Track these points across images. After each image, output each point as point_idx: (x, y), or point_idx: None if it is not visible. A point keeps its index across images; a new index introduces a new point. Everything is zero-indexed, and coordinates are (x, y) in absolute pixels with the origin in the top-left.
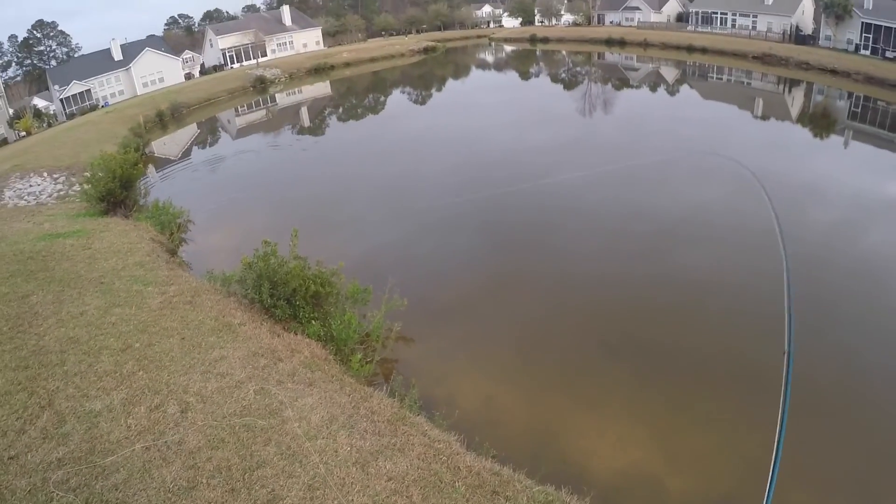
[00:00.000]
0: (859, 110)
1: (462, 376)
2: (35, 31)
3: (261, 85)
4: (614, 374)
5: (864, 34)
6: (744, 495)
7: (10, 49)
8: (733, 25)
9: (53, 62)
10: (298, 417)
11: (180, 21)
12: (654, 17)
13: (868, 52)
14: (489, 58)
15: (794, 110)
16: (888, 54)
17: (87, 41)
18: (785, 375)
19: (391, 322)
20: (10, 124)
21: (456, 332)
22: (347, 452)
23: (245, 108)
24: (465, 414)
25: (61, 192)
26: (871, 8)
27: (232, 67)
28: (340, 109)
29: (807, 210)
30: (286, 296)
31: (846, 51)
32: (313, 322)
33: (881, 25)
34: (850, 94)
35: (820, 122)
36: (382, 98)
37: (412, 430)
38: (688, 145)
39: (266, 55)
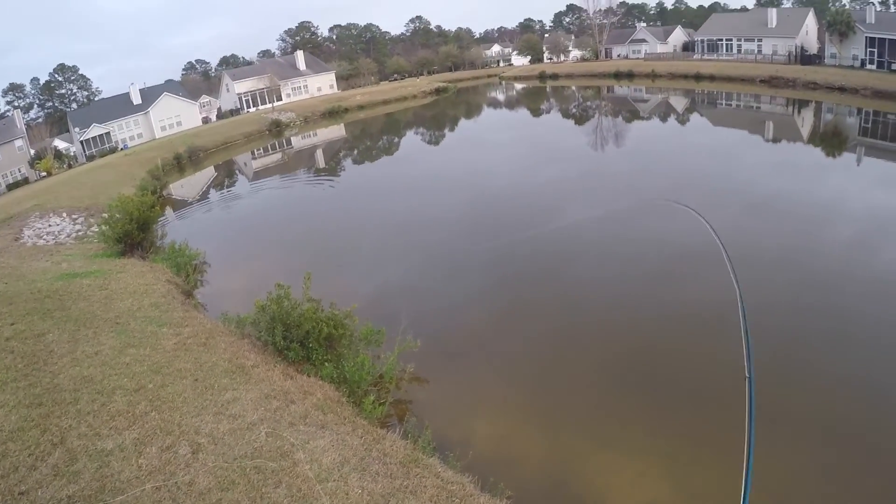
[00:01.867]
0: (870, 126)
1: (476, 416)
2: (57, 75)
3: (276, 128)
4: (631, 410)
5: (868, 49)
6: None
7: (33, 91)
8: (739, 51)
9: (74, 105)
10: (310, 460)
11: (197, 66)
12: (660, 48)
13: (874, 67)
14: (500, 96)
15: (805, 131)
16: (893, 66)
17: (107, 85)
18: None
19: (404, 363)
20: (32, 164)
21: (469, 372)
22: (359, 495)
23: (261, 151)
24: (479, 454)
25: (80, 233)
26: (873, 22)
27: (248, 111)
28: (355, 151)
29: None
30: (299, 338)
31: (852, 67)
32: (326, 364)
33: (885, 39)
34: (859, 111)
35: (831, 140)
36: (396, 139)
37: (425, 472)
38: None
39: (281, 99)
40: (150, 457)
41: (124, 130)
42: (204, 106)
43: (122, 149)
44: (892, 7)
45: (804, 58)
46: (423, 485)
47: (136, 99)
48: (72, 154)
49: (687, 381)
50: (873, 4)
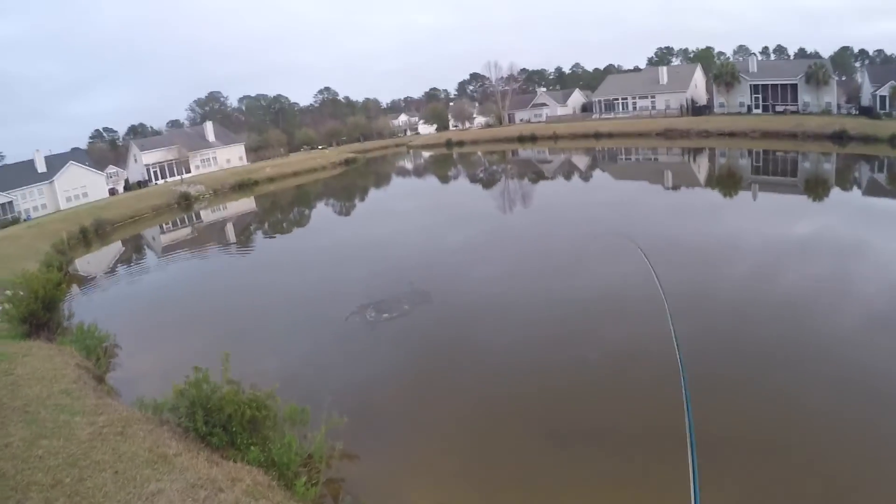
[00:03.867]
0: (761, 164)
1: (412, 487)
2: None
3: (185, 201)
4: (567, 463)
5: (753, 95)
6: None
7: None
8: (634, 108)
9: None
10: None
11: (105, 134)
12: (560, 111)
13: (760, 111)
14: (408, 165)
15: (702, 176)
16: (777, 108)
17: (9, 151)
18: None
19: (333, 440)
20: None
21: (400, 443)
22: None
23: (170, 225)
24: None
25: None
26: (756, 70)
27: (156, 183)
28: (265, 224)
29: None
30: (222, 422)
31: (740, 113)
32: (252, 448)
33: (767, 84)
34: (750, 152)
35: (726, 182)
36: (306, 211)
37: None
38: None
39: (190, 171)
40: None
41: (27, 200)
42: (111, 177)
43: (25, 220)
44: (772, 55)
45: (695, 109)
46: None
47: (41, 167)
48: None
49: (621, 427)
50: (755, 55)
